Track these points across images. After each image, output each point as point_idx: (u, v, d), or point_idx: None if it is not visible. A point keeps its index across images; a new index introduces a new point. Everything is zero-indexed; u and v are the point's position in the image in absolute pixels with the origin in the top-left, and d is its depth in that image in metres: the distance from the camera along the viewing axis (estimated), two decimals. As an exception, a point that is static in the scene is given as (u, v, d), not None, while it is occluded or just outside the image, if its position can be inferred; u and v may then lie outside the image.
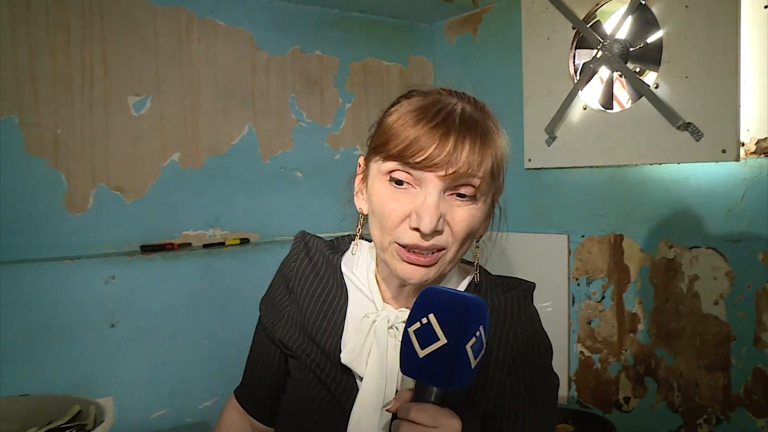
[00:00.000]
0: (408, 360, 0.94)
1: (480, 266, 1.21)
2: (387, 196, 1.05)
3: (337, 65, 2.81)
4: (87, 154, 2.26)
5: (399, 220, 1.04)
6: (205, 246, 2.47)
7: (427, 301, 0.95)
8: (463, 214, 1.04)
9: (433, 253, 1.04)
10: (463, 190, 1.03)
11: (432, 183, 1.01)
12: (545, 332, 1.20)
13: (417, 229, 1.02)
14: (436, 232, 1.02)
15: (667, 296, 2.20)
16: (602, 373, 2.39)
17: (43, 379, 2.15)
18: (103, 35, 2.27)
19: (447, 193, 1.03)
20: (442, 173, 1.00)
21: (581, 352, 2.45)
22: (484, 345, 0.94)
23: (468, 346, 0.91)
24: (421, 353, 0.92)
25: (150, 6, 2.36)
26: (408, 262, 1.05)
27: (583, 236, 2.44)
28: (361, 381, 1.11)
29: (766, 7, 1.92)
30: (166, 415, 2.38)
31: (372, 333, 1.12)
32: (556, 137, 2.43)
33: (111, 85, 2.30)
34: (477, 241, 1.17)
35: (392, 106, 1.11)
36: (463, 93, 1.11)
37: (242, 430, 1.41)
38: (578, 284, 2.45)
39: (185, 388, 2.42)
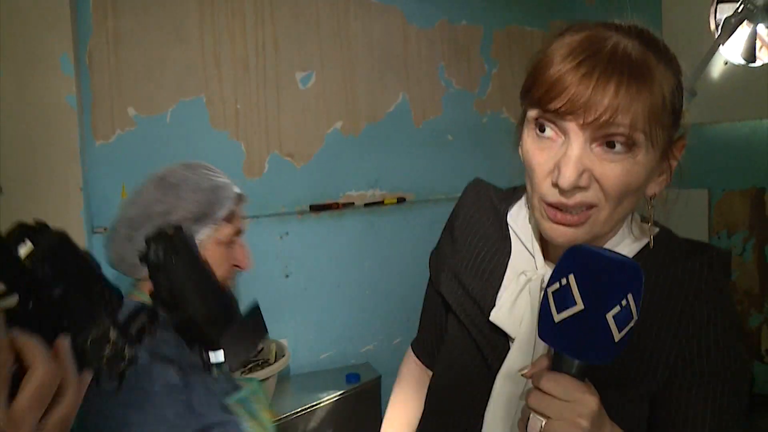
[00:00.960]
0: (544, 324, 0.83)
1: (662, 228, 1.04)
2: (533, 148, 0.93)
3: (482, 34, 2.98)
4: (262, 125, 2.57)
5: (544, 175, 0.91)
6: (366, 205, 2.75)
7: (570, 260, 0.82)
8: (614, 169, 0.87)
9: (582, 211, 0.91)
10: (614, 140, 0.86)
11: (574, 132, 0.87)
12: (734, 310, 0.99)
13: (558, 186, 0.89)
14: (579, 188, 0.88)
15: (813, 247, 2.23)
16: (743, 326, 2.44)
17: (231, 321, 2.49)
18: (273, 19, 2.56)
19: (596, 144, 0.87)
20: (581, 121, 0.85)
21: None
22: (634, 317, 0.79)
23: (610, 316, 0.77)
24: (557, 318, 0.81)
25: (314, -9, 2.63)
26: (554, 221, 0.92)
27: (723, 190, 2.49)
28: (513, 342, 1.01)
29: None
30: (332, 356, 2.70)
31: (526, 292, 1.01)
32: (696, 93, 2.47)
33: (281, 63, 2.59)
34: (651, 200, 0.98)
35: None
36: (631, 26, 0.91)
37: (420, 380, 1.31)
38: (719, 238, 2.51)
39: (349, 333, 2.72)
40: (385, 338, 2.80)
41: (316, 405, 2.37)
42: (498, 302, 1.03)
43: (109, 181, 2.33)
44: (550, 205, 0.91)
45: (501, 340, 1.03)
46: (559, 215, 0.91)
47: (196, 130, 2.47)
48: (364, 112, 2.75)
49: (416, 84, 2.85)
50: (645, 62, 0.86)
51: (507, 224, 1.11)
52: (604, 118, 0.83)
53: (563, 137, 0.89)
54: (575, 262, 0.81)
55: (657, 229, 1.03)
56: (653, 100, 0.85)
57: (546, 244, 1.04)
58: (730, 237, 2.48)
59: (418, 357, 1.33)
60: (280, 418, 2.24)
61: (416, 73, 2.85)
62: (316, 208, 2.64)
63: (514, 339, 1.00)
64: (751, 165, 2.40)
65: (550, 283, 0.83)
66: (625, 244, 1.01)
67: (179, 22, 2.41)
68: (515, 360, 0.99)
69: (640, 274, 0.79)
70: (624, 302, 0.77)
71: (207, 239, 1.41)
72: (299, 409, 2.32)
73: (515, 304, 1.01)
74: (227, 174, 2.48)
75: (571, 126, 0.87)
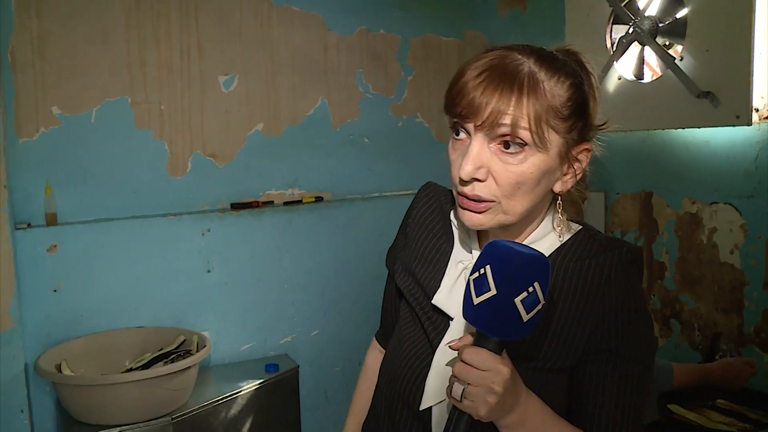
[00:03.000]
0: (466, 306, 0.98)
1: (584, 225, 1.19)
2: (450, 149, 1.10)
3: (398, 42, 3.14)
4: (185, 126, 2.67)
5: (456, 170, 1.07)
6: (285, 203, 2.88)
7: (487, 252, 0.98)
8: (505, 166, 1.03)
9: (481, 202, 1.05)
10: (506, 140, 1.02)
11: (474, 133, 1.03)
12: (642, 298, 1.11)
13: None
14: (476, 181, 1.04)
15: (690, 247, 2.46)
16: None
17: (154, 315, 2.60)
18: (197, 24, 2.67)
19: (494, 144, 1.03)
20: (477, 122, 1.02)
21: (617, 298, 2.73)
22: (542, 301, 0.94)
23: (518, 300, 0.93)
24: (475, 301, 0.96)
25: (235, -3, 2.74)
26: (462, 208, 1.08)
27: (618, 193, 2.71)
28: (452, 321, 1.15)
29: (777, -14, 2.13)
30: (252, 348, 2.83)
31: (463, 278, 1.16)
32: (594, 105, 2.68)
33: (204, 66, 2.70)
34: (558, 198, 1.13)
35: None
36: (534, 47, 1.08)
37: None
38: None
39: (269, 326, 2.85)
40: (303, 330, 2.93)
41: (236, 393, 2.47)
42: (440, 287, 1.19)
43: (33, 177, 2.40)
44: (460, 194, 1.07)
45: (442, 320, 1.17)
46: (466, 202, 1.06)
47: (121, 129, 2.55)
48: (285, 115, 2.88)
49: (335, 88, 2.99)
50: (534, 76, 1.02)
51: (450, 221, 1.27)
52: (490, 119, 1.00)
53: (470, 139, 1.04)
54: (491, 255, 0.97)
55: (579, 226, 1.18)
56: (538, 107, 1.01)
57: (481, 237, 1.20)
58: (623, 236, 2.70)
59: (381, 345, 1.46)
60: (202, 406, 2.35)
61: (335, 78, 2.99)
62: (237, 206, 2.76)
63: (453, 318, 1.15)
64: (642, 171, 2.62)
65: (471, 272, 0.99)
66: (547, 239, 1.15)
67: (105, 24, 2.49)
68: (452, 336, 1.12)
69: (546, 266, 0.96)
70: (531, 289, 0.93)
71: None
72: (220, 398, 2.42)
73: (454, 288, 1.16)
74: (151, 172, 2.60)
75: (470, 127, 1.03)
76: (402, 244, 1.35)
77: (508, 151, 1.02)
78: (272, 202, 2.87)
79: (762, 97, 2.20)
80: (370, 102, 3.08)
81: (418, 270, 1.25)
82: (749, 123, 2.18)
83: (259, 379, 2.58)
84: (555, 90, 1.03)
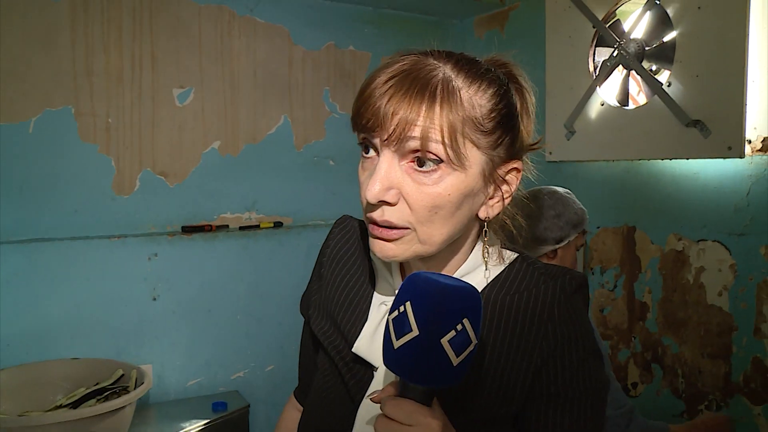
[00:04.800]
0: (386, 351, 0.85)
1: (520, 253, 1.05)
2: (360, 169, 0.96)
3: (369, 60, 2.96)
4: (135, 141, 2.47)
5: (364, 194, 0.91)
6: (242, 228, 2.67)
7: (408, 287, 0.85)
8: (420, 187, 0.89)
9: (392, 229, 0.91)
10: (419, 157, 0.88)
11: (382, 149, 0.90)
12: (589, 331, 0.99)
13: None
14: (386, 204, 0.90)
15: (675, 286, 2.29)
16: (612, 360, 2.49)
17: (91, 344, 2.38)
18: (151, 32, 2.47)
19: (405, 162, 0.89)
20: (384, 136, 0.88)
21: (595, 339, 2.56)
22: (473, 341, 0.82)
23: (445, 340, 0.80)
24: (396, 344, 0.83)
25: (194, 5, 2.55)
26: (373, 237, 0.94)
27: (598, 227, 2.55)
28: (377, 371, 1.01)
29: (773, 9, 1.99)
30: (201, 383, 2.59)
31: (385, 321, 0.97)
32: (575, 131, 2.53)
33: (158, 78, 2.50)
34: (486, 225, 1.00)
35: None
36: (450, 52, 0.95)
37: None
38: (592, 273, 2.56)
39: (219, 360, 2.63)
40: (257, 365, 2.71)
41: (178, 435, 2.27)
42: (361, 333, 1.03)
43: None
44: (369, 222, 0.93)
45: (365, 371, 1.02)
46: (376, 230, 0.92)
47: (63, 141, 2.35)
48: (244, 133, 2.68)
49: (300, 106, 2.80)
50: (449, 83, 0.88)
51: (370, 258, 1.11)
52: (397, 131, 0.86)
53: (378, 156, 0.90)
54: (412, 289, 0.84)
55: (514, 254, 1.05)
56: (452, 117, 0.87)
57: (404, 272, 1.05)
58: (603, 273, 2.53)
59: (299, 402, 1.29)
60: (136, 450, 2.13)
61: (300, 96, 2.80)
62: (188, 230, 2.54)
63: (377, 368, 1.00)
64: (624, 203, 2.47)
65: (391, 310, 0.85)
66: (479, 272, 1.01)
67: (48, 26, 2.29)
68: (377, 389, 0.97)
69: (477, 299, 0.83)
70: (459, 327, 0.81)
71: None
72: (158, 440, 2.21)
73: (377, 333, 1.01)
74: (95, 190, 2.39)
75: (378, 141, 0.89)
76: (317, 288, 1.17)
77: (422, 169, 0.89)
78: (227, 226, 2.66)
79: (755, 128, 2.05)
80: (336, 122, 2.89)
81: (337, 314, 1.09)
82: (741, 155, 2.03)
83: (205, 419, 2.38)
84: (475, 99, 0.90)
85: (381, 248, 0.93)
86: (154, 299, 2.49)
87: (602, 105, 2.43)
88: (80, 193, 2.39)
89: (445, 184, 0.89)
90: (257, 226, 2.69)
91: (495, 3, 2.89)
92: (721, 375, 2.17)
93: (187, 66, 2.55)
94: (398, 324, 0.83)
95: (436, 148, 0.87)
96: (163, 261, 2.49)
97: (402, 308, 0.83)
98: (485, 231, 1.00)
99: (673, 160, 2.27)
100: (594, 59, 2.49)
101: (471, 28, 3.11)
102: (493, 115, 0.91)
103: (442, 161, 0.88)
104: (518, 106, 0.98)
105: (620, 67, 2.39)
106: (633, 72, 2.35)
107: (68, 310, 2.34)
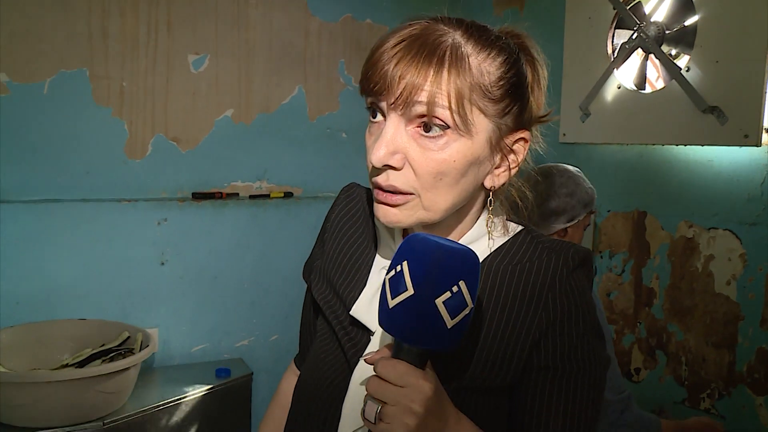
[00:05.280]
0: (381, 311, 0.84)
1: (525, 226, 1.05)
2: (366, 134, 0.95)
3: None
4: (148, 106, 2.47)
5: (370, 158, 0.92)
6: (252, 197, 2.67)
7: (405, 247, 0.84)
8: (425, 153, 0.89)
9: (397, 194, 0.91)
10: (426, 122, 0.88)
11: (389, 113, 0.89)
12: (591, 307, 0.98)
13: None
14: (391, 168, 0.90)
15: (683, 274, 2.28)
16: (617, 344, 2.48)
17: (98, 306, 2.40)
18: (168, -3, 2.46)
19: (412, 126, 0.89)
20: (391, 99, 0.88)
21: (600, 323, 2.55)
22: (469, 304, 0.81)
23: (439, 301, 0.79)
24: (391, 303, 0.82)
25: (212, -29, 2.53)
26: (378, 202, 0.93)
27: (609, 211, 2.53)
28: (373, 335, 1.00)
29: (797, -4, 1.95)
30: (205, 349, 2.61)
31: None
32: (590, 114, 2.50)
33: (173, 43, 2.49)
34: (491, 194, 0.99)
35: None
36: (460, 19, 0.94)
37: None
38: (601, 257, 2.54)
39: (224, 327, 2.64)
40: (262, 334, 2.73)
41: (180, 399, 2.28)
42: (360, 296, 1.03)
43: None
44: (374, 186, 0.93)
45: (362, 334, 1.02)
46: (381, 195, 0.92)
47: (77, 103, 2.35)
48: (258, 102, 2.67)
49: (314, 78, 2.79)
50: (458, 49, 0.88)
51: (374, 223, 1.10)
52: (404, 95, 0.86)
53: (385, 121, 0.90)
54: (410, 250, 0.83)
55: (519, 227, 1.04)
56: (460, 83, 0.86)
57: None
58: (612, 257, 2.52)
59: (298, 368, 1.29)
60: (139, 412, 2.15)
61: (315, 67, 2.79)
62: (198, 196, 2.55)
63: (374, 333, 1.00)
64: (636, 188, 2.44)
65: (388, 270, 0.84)
66: (483, 241, 1.01)
67: (64, -14, 2.28)
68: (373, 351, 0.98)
69: (474, 262, 0.82)
70: (455, 288, 0.79)
71: None
72: (161, 403, 2.23)
73: (375, 297, 0.99)
74: (107, 153, 2.39)
75: (384, 105, 0.89)
76: (319, 253, 1.17)
77: (428, 134, 0.88)
78: (237, 194, 2.65)
79: (773, 117, 2.02)
80: (351, 95, 2.87)
81: (336, 279, 1.09)
82: (758, 144, 2.01)
83: (208, 384, 2.40)
84: (484, 66, 0.90)
85: (385, 213, 0.93)
86: (162, 264, 2.50)
87: (619, 88, 2.40)
88: (92, 155, 2.39)
89: (451, 150, 0.89)
90: (267, 196, 2.69)
91: (516, -20, 2.86)
92: (725, 364, 2.16)
93: (203, 33, 2.54)
94: (394, 283, 0.82)
95: (443, 113, 0.86)
96: (172, 226, 2.50)
97: (399, 267, 0.82)
98: (490, 200, 0.99)
99: (687, 147, 2.24)
100: (613, 41, 2.46)
101: (491, 5, 3.07)
102: (501, 83, 0.91)
103: (448, 127, 0.87)
104: (529, 77, 0.97)
105: (639, 50, 2.35)
106: (652, 56, 2.32)
107: (77, 271, 2.36)
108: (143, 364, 2.19)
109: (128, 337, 2.29)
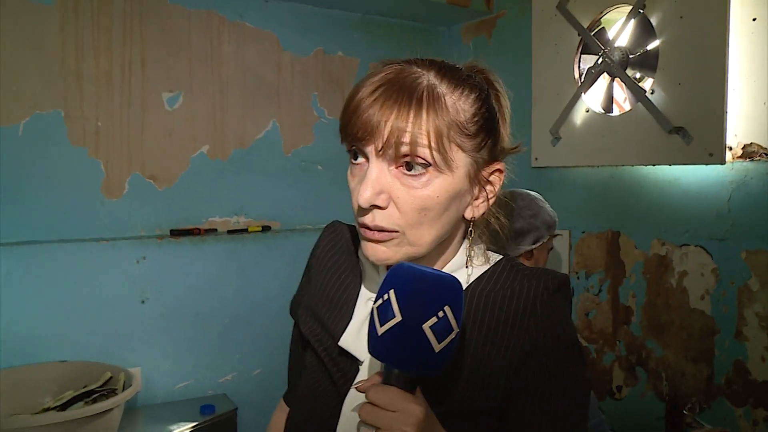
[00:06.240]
0: (371, 338, 0.88)
1: (504, 255, 1.09)
2: (349, 176, 0.99)
3: (358, 66, 2.98)
4: (124, 145, 2.47)
5: (355, 198, 0.96)
6: (230, 232, 2.68)
7: (392, 277, 0.88)
8: (409, 191, 0.92)
9: (383, 232, 0.95)
10: (407, 161, 0.92)
11: (372, 156, 0.93)
12: (571, 329, 1.02)
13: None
14: (377, 208, 0.93)
15: (659, 291, 2.32)
16: (597, 363, 2.52)
17: (80, 348, 2.38)
18: (141, 37, 2.48)
19: (394, 167, 0.93)
20: (377, 144, 0.92)
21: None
22: (455, 329, 0.85)
23: (426, 326, 0.83)
24: (380, 330, 0.85)
25: (184, 10, 2.56)
26: (365, 239, 0.97)
27: (583, 232, 2.58)
28: (362, 365, 1.04)
29: (754, 19, 2.03)
30: (189, 386, 2.60)
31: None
32: (560, 137, 2.56)
33: (147, 82, 2.51)
34: (472, 224, 1.03)
35: None
36: (432, 60, 1.00)
37: None
38: (578, 278, 2.59)
39: (207, 363, 2.63)
40: (245, 369, 2.72)
41: (165, 438, 2.27)
42: (348, 328, 1.06)
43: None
44: (361, 226, 0.97)
45: (351, 365, 1.05)
46: (368, 233, 0.96)
47: (53, 145, 2.35)
48: (233, 137, 2.69)
49: (288, 111, 2.82)
50: (434, 89, 0.92)
51: (358, 258, 1.14)
52: (391, 139, 0.90)
53: (368, 163, 0.94)
54: (396, 279, 0.87)
55: (499, 256, 1.08)
56: (438, 122, 0.91)
57: None
58: (588, 277, 2.56)
59: (288, 405, 1.29)
60: (124, 452, 2.13)
61: (288, 101, 2.82)
62: (176, 233, 2.55)
63: (363, 362, 1.03)
64: (609, 209, 2.50)
65: (375, 299, 0.88)
66: (464, 270, 1.05)
67: (38, 29, 2.30)
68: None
69: (458, 288, 0.86)
70: (441, 314, 0.84)
71: None
72: (146, 443, 2.21)
73: (363, 327, 1.03)
74: (84, 193, 2.39)
75: (369, 149, 0.93)
76: (306, 289, 1.21)
77: (411, 173, 0.92)
78: (215, 230, 2.66)
79: (736, 135, 2.09)
80: (324, 127, 2.91)
81: (323, 313, 1.12)
82: (722, 161, 2.07)
83: (193, 421, 2.37)
84: (459, 104, 0.95)
85: (374, 251, 0.97)
86: (143, 302, 2.49)
87: (587, 111, 2.47)
88: (70, 196, 2.39)
89: (434, 187, 0.93)
90: (245, 230, 2.70)
91: (482, 10, 2.92)
92: (703, 378, 2.20)
93: (177, 70, 2.56)
94: (382, 311, 0.86)
95: (424, 152, 0.90)
96: (151, 264, 2.49)
97: (386, 296, 0.86)
98: (470, 231, 1.04)
99: (656, 166, 2.30)
100: (579, 66, 2.53)
101: (459, 34, 3.14)
102: (476, 119, 0.96)
103: (430, 165, 0.91)
104: (497, 110, 1.01)
105: (605, 74, 2.42)
106: (617, 79, 2.38)
107: (57, 312, 2.34)
108: (127, 404, 2.17)
109: (111, 378, 2.27)
